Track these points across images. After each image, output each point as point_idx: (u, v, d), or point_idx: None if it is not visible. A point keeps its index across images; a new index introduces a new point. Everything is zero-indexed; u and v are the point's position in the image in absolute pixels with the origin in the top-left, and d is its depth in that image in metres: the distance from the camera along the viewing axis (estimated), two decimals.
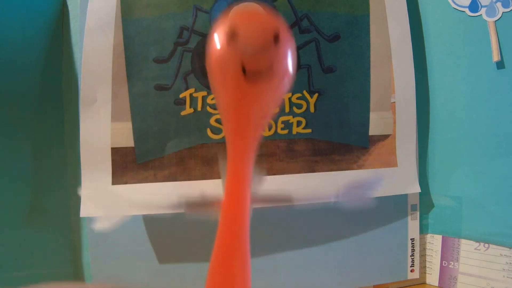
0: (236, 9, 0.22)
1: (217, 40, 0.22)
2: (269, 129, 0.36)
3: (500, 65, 0.36)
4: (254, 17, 0.22)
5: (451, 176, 0.39)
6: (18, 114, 0.33)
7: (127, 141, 0.34)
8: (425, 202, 0.40)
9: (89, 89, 0.33)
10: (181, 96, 0.34)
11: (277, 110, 0.24)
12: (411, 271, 0.39)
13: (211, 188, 0.33)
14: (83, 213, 0.32)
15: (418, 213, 0.39)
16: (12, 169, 0.33)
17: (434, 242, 0.39)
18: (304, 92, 0.36)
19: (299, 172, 0.36)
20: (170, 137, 0.34)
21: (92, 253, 0.35)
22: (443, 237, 0.39)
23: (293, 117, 0.36)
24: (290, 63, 0.23)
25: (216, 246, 0.22)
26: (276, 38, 0.21)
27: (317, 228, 0.37)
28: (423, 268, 0.40)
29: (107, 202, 0.33)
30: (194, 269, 0.35)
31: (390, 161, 0.37)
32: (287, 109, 0.36)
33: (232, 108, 0.23)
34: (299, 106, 0.36)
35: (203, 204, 0.27)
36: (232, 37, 0.21)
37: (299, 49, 0.36)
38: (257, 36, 0.21)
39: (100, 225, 0.27)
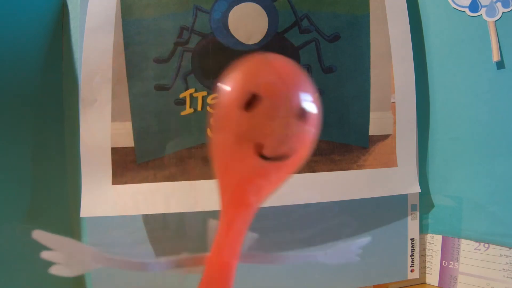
0: (261, 62, 0.17)
1: (230, 99, 0.17)
2: None
3: (500, 65, 0.36)
4: (285, 79, 0.16)
5: (451, 176, 0.39)
6: (18, 114, 0.33)
7: (127, 141, 0.34)
8: (425, 202, 0.40)
9: (89, 89, 0.33)
10: (181, 96, 0.34)
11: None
12: (411, 271, 0.39)
13: (211, 187, 0.33)
14: (83, 213, 0.32)
15: (418, 213, 0.39)
16: (12, 169, 0.33)
17: (434, 242, 0.39)
18: None
19: (299, 172, 0.35)
20: (170, 137, 0.34)
21: None
22: (443, 237, 0.39)
23: None
24: (310, 143, 0.18)
25: None
26: (302, 114, 0.16)
27: (317, 228, 0.37)
28: (423, 268, 0.40)
29: (107, 202, 0.33)
30: None
31: (390, 161, 0.37)
32: None
33: (235, 180, 0.19)
34: None
35: (187, 262, 0.25)
36: (251, 102, 0.16)
37: (299, 49, 0.36)
38: (284, 106, 0.16)
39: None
